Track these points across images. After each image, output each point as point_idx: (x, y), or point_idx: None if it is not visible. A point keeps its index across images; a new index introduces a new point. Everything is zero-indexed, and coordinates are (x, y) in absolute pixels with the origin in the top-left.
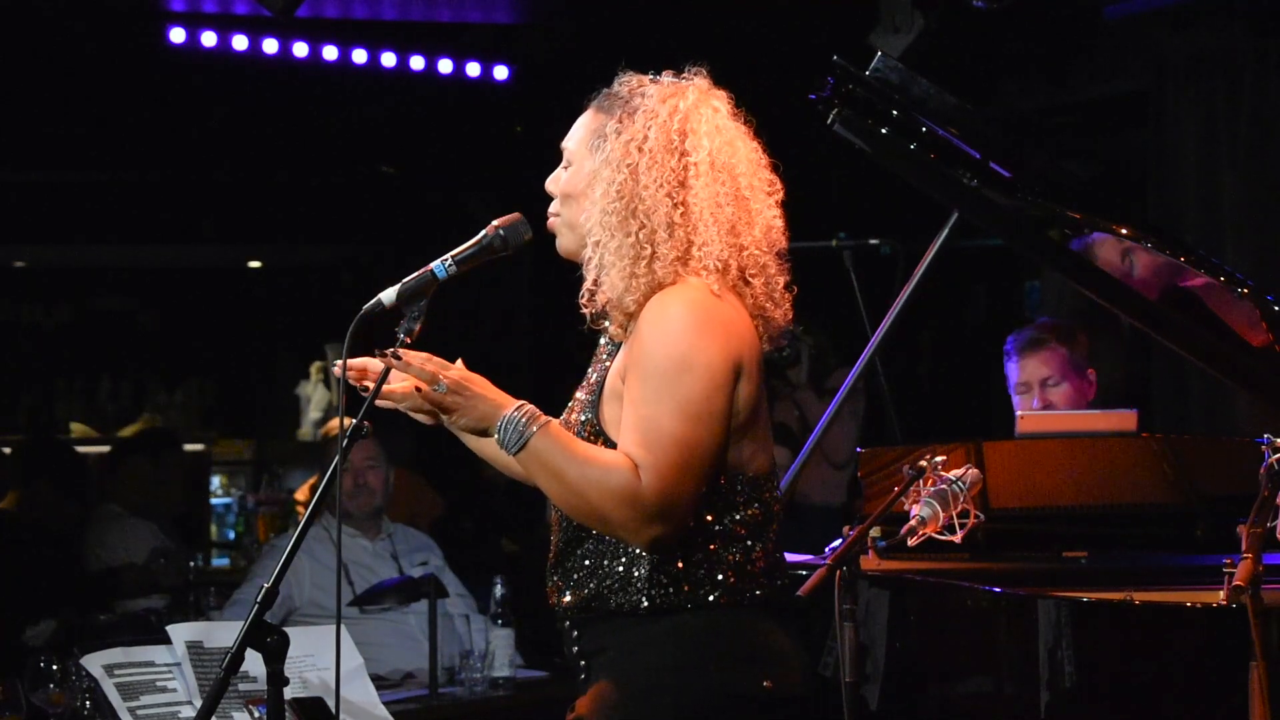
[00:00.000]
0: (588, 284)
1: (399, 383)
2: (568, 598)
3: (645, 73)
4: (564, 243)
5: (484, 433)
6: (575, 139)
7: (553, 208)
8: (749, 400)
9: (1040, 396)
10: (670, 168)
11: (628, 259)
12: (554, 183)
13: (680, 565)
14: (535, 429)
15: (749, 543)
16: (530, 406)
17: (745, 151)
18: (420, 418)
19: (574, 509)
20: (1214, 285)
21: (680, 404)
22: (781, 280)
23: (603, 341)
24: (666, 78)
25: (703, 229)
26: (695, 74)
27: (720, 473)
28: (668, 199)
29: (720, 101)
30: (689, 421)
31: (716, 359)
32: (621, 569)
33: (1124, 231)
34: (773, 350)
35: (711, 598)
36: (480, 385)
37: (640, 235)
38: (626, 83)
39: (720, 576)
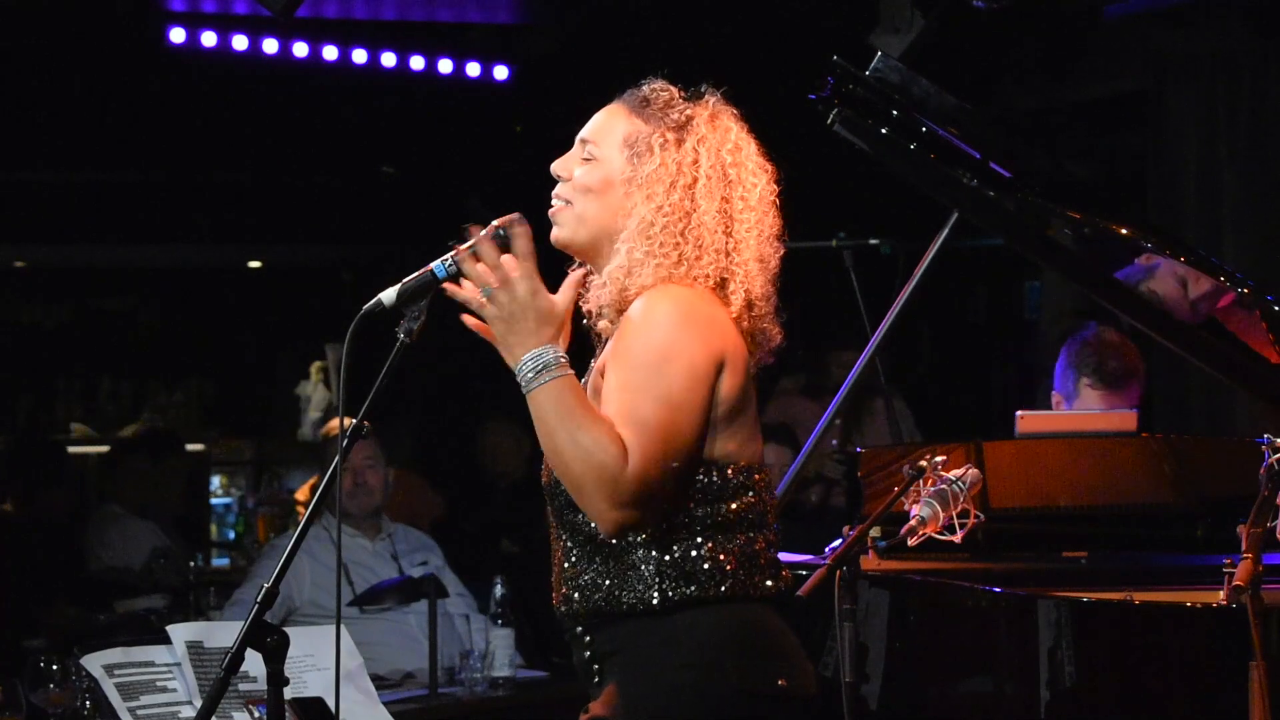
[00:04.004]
0: (598, 283)
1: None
2: (577, 602)
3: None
4: (566, 234)
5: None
6: (603, 134)
7: (562, 193)
8: (734, 391)
9: None
10: (724, 197)
11: (664, 270)
12: (564, 169)
13: (685, 558)
14: (547, 379)
15: (750, 534)
16: (556, 355)
17: (772, 185)
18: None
19: (559, 470)
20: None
21: (663, 393)
22: (774, 301)
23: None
24: (696, 95)
25: (751, 264)
26: (709, 93)
27: (712, 464)
28: (721, 230)
29: (744, 129)
30: (670, 409)
31: (699, 354)
32: (628, 566)
33: (1182, 259)
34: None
35: (723, 589)
36: (537, 313)
37: (687, 251)
38: (658, 91)
39: (727, 569)
